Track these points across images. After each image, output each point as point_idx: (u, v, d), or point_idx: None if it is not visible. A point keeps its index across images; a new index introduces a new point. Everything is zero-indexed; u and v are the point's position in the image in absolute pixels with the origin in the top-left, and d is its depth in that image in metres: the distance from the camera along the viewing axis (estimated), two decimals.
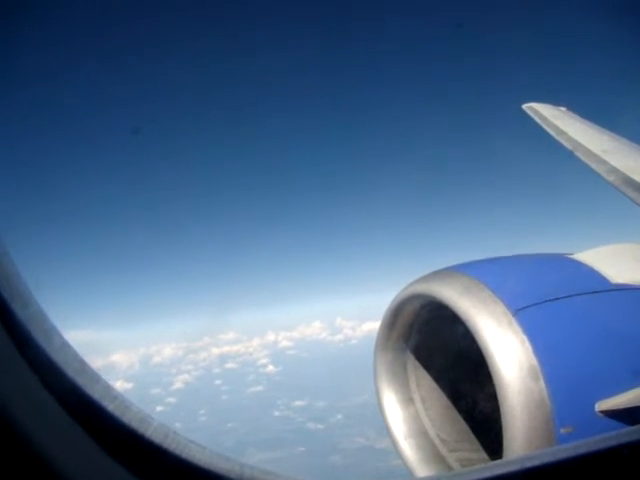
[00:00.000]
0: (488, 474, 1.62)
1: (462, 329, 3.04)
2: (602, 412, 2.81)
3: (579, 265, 3.40)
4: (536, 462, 1.61)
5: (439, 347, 3.54)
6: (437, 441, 3.47)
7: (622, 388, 2.85)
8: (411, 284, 3.35)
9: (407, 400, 3.52)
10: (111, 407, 1.08)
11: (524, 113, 6.60)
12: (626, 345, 3.02)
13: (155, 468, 1.13)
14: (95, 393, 1.07)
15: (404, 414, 3.51)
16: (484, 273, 3.21)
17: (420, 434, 3.48)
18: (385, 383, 3.52)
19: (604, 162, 5.23)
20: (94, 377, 1.10)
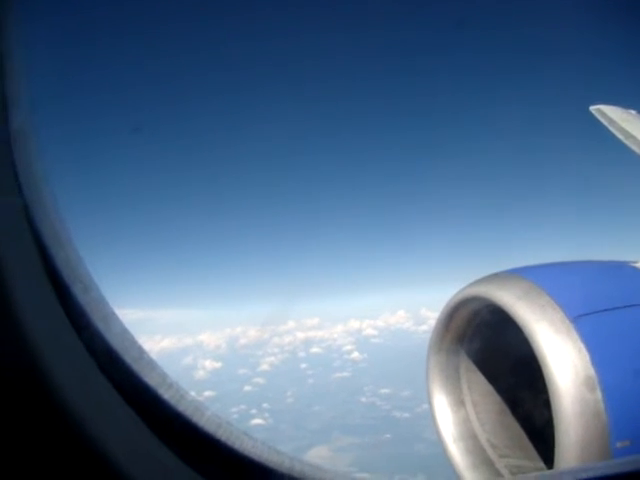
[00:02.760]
0: None
1: (519, 334, 2.99)
2: None
3: None
4: (590, 475, 1.60)
5: (494, 351, 3.49)
6: (487, 446, 3.44)
7: None
8: (468, 286, 3.32)
9: (458, 403, 3.51)
10: (166, 395, 1.09)
11: (591, 115, 6.21)
12: None
13: (206, 457, 1.14)
14: (151, 381, 1.09)
15: (454, 417, 3.51)
16: (544, 278, 3.13)
17: (470, 438, 3.47)
18: (437, 385, 3.53)
19: None
20: (151, 365, 1.11)
